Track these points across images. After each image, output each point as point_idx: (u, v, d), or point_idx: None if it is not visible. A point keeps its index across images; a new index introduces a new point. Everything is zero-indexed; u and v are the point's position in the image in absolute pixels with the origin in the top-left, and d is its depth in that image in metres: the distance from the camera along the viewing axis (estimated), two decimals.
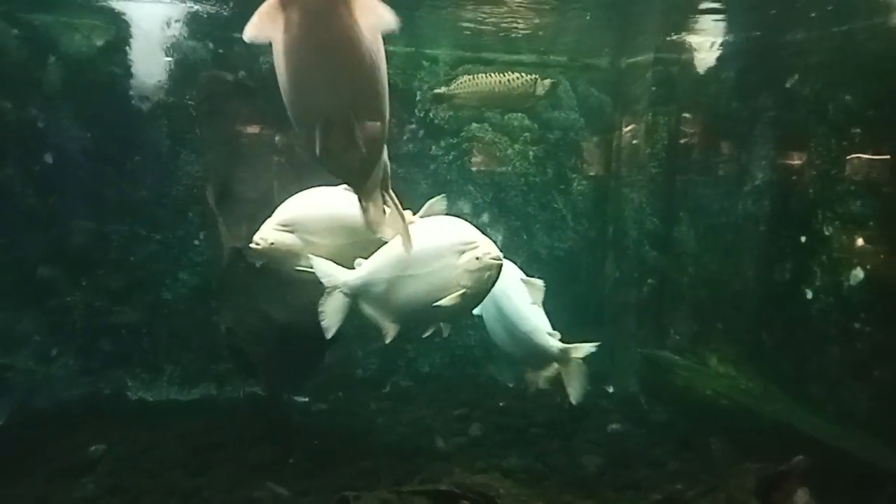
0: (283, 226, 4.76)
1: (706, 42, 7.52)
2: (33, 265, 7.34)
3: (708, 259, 7.54)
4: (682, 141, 8.06)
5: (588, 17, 7.21)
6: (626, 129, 8.61)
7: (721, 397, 6.64)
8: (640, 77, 8.32)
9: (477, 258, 4.35)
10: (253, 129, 7.24)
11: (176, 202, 7.66)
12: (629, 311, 8.34)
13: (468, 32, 7.80)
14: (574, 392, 5.36)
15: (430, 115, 8.39)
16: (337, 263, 4.71)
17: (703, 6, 6.45)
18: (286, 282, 5.13)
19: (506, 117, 8.53)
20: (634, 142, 8.45)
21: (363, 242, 4.67)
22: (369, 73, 2.95)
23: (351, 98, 2.99)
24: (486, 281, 4.38)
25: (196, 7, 6.97)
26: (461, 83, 7.13)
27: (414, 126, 8.36)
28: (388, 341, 4.78)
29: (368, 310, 4.76)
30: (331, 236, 4.76)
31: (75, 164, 7.38)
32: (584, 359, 5.40)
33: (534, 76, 7.09)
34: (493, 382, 8.15)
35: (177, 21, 7.27)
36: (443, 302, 4.40)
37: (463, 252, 4.39)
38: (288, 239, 4.72)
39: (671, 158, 8.08)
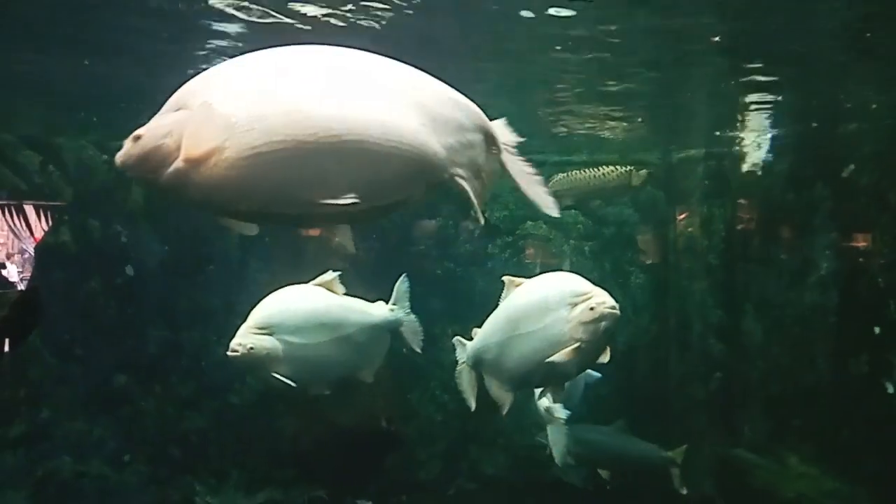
0: (261, 329, 4.43)
1: (754, 135, 7.62)
2: (109, 373, 7.67)
3: (777, 352, 7.32)
4: (739, 232, 8.01)
5: (640, 120, 7.44)
6: (680, 222, 8.63)
7: (805, 500, 6.28)
8: (691, 171, 8.41)
9: (591, 308, 4.00)
10: (316, 233, 7.59)
11: (246, 308, 7.95)
12: (697, 407, 8.08)
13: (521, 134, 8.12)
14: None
15: (486, 214, 8.58)
16: (318, 365, 4.48)
17: (751, 99, 6.58)
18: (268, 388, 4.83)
19: (561, 214, 8.67)
20: (690, 234, 8.44)
21: (345, 337, 4.52)
22: None
23: None
24: (602, 333, 4.01)
25: None
26: (558, 181, 7.40)
27: (470, 226, 8.58)
28: (504, 413, 4.42)
29: (486, 379, 4.48)
30: (310, 335, 4.49)
31: (153, 276, 7.82)
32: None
33: (628, 168, 7.31)
34: (560, 484, 7.89)
35: None
36: (555, 357, 4.04)
37: (575, 304, 4.05)
38: (267, 342, 4.40)
39: (729, 249, 8.01)
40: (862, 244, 6.26)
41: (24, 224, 7.59)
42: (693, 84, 6.33)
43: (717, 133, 7.91)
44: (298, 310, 4.49)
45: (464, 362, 4.59)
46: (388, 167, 2.35)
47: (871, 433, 6.04)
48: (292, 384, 4.34)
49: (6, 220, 7.59)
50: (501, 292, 4.96)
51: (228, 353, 4.34)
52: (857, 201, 6.31)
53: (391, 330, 4.75)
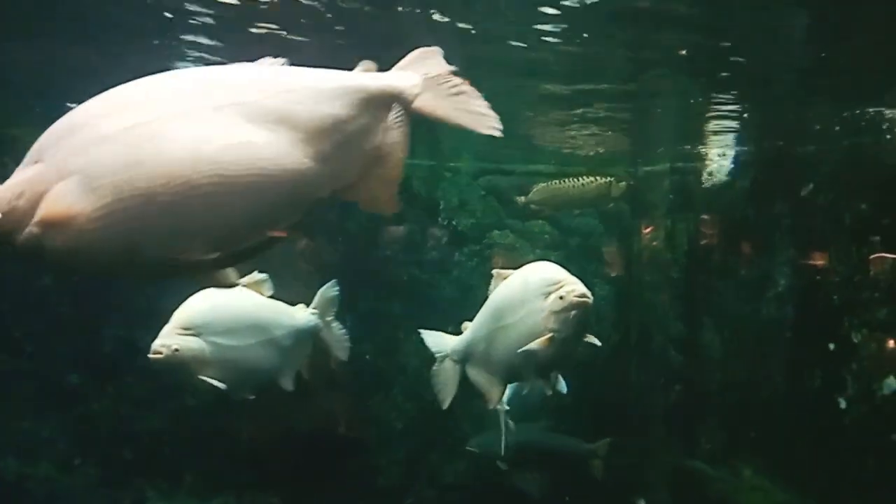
0: (186, 329, 4.13)
1: (718, 152, 7.77)
2: (62, 372, 7.46)
3: (735, 364, 7.44)
4: (701, 246, 8.15)
5: (608, 133, 7.53)
6: (645, 235, 8.75)
7: None
8: (657, 185, 8.54)
9: (560, 297, 3.90)
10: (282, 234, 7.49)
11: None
12: (656, 418, 8.17)
13: (488, 145, 8.15)
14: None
15: (453, 223, 8.61)
16: (245, 369, 4.27)
17: (715, 116, 6.72)
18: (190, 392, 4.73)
19: (526, 223, 8.73)
20: (654, 247, 8.56)
21: (272, 341, 4.37)
22: None
23: None
24: (573, 323, 3.88)
25: None
26: (538, 190, 7.42)
27: (438, 234, 8.57)
28: (491, 407, 4.41)
29: (474, 373, 4.40)
30: (238, 337, 4.27)
31: None
32: None
33: (608, 179, 7.36)
34: (519, 494, 7.91)
35: None
36: (529, 348, 3.93)
37: (549, 294, 3.95)
38: (193, 343, 4.11)
39: (691, 263, 8.14)
40: (819, 262, 6.41)
41: None
42: (660, 100, 6.44)
43: (683, 148, 8.05)
44: (226, 310, 4.25)
45: (446, 356, 4.51)
46: (253, 202, 2.09)
47: (823, 447, 6.17)
48: (222, 386, 4.10)
49: None
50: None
51: (150, 355, 4.01)
52: (814, 220, 6.46)
53: (314, 335, 4.58)
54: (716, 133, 7.35)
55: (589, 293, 3.94)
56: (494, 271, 4.43)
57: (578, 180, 7.40)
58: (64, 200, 2.01)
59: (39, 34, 5.07)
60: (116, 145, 2.04)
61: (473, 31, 4.57)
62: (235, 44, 4.85)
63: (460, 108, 2.32)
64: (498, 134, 2.25)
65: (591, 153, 8.58)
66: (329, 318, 4.63)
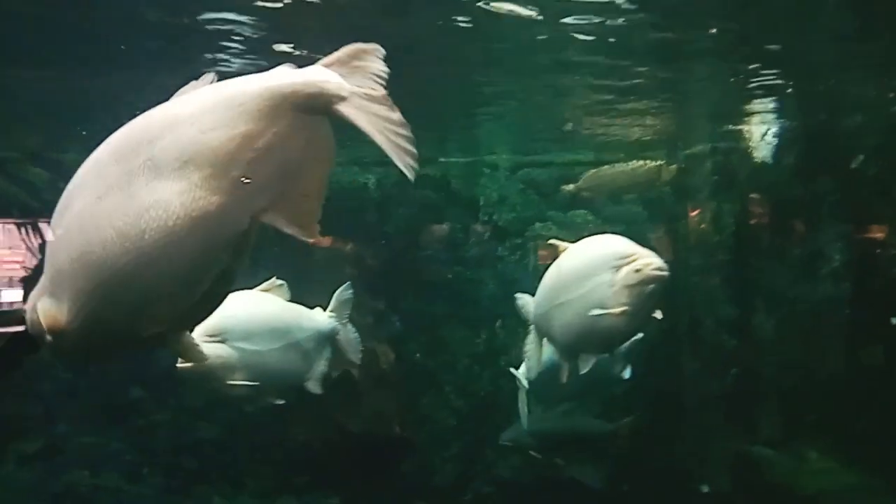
0: (212, 336, 4.10)
1: (761, 129, 7.56)
2: (124, 386, 7.72)
3: (791, 345, 7.24)
4: (748, 226, 7.95)
5: (648, 117, 7.40)
6: (691, 218, 8.58)
7: (825, 495, 6.20)
8: (699, 167, 8.36)
9: (636, 271, 3.72)
10: (328, 244, 7.60)
11: None
12: (712, 404, 8.00)
13: (525, 138, 8.12)
14: None
15: (494, 218, 8.60)
16: (271, 373, 4.22)
17: (756, 94, 6.53)
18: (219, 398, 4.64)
19: (568, 214, 8.65)
20: (699, 230, 8.38)
21: (296, 344, 4.34)
22: None
23: None
24: (647, 297, 3.70)
25: None
26: (588, 178, 7.38)
27: (479, 230, 8.58)
28: (564, 380, 4.19)
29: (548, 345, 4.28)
30: (263, 342, 4.27)
31: None
32: None
33: (658, 163, 7.27)
34: (577, 484, 7.84)
35: None
36: (595, 313, 3.75)
37: (620, 267, 3.78)
38: (220, 350, 4.10)
39: (740, 244, 7.95)
40: (873, 235, 6.20)
41: (39, 241, 7.64)
42: (699, 81, 6.30)
43: (724, 128, 7.86)
44: (250, 316, 4.26)
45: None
46: (178, 261, 1.97)
47: (889, 424, 5.97)
48: (252, 384, 4.12)
49: (23, 238, 7.63)
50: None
51: (178, 364, 3.93)
52: (864, 192, 6.24)
53: (332, 338, 4.57)
54: (757, 112, 7.15)
55: (665, 266, 3.76)
56: (551, 241, 4.34)
57: (627, 165, 7.30)
58: (47, 315, 2.11)
59: (79, 62, 5.25)
60: (61, 246, 2.10)
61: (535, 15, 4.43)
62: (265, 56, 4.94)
63: (384, 132, 2.02)
64: (410, 175, 1.99)
65: (631, 139, 8.44)
66: (344, 321, 4.62)
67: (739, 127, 7.71)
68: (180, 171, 1.95)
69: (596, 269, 3.89)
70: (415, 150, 2.01)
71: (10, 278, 7.63)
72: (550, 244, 4.33)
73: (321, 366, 4.54)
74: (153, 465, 7.69)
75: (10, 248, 7.72)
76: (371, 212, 8.34)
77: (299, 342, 4.40)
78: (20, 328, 2.33)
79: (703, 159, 8.35)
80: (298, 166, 2.01)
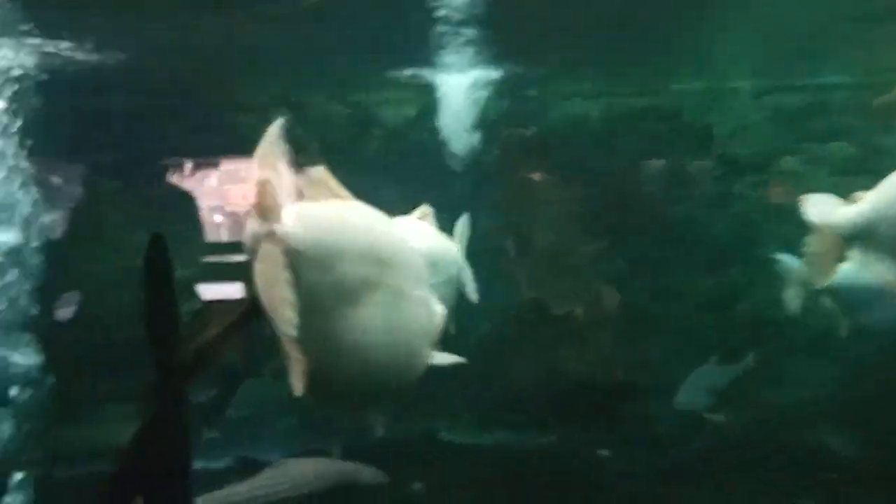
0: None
1: None
2: None
3: None
4: None
5: None
6: None
7: None
8: None
9: None
10: (549, 181, 7.41)
11: (473, 253, 8.09)
12: None
13: (773, 58, 7.13)
14: None
15: (732, 151, 7.80)
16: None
17: None
18: None
19: (827, 146, 7.56)
20: None
21: (450, 280, 4.08)
22: None
23: None
24: None
25: (492, 72, 7.42)
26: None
27: (711, 165, 7.85)
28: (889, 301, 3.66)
29: (865, 257, 3.68)
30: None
31: None
32: None
33: None
34: (825, 450, 7.03)
35: (475, 86, 7.79)
36: None
37: None
38: None
39: None
40: None
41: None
42: None
43: None
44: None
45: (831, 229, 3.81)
46: None
47: None
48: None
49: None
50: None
51: None
52: None
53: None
54: None
55: None
56: None
57: None
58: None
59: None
60: None
61: None
62: None
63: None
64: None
65: None
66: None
67: None
68: None
69: None
70: None
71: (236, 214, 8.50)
72: None
73: (450, 300, 4.19)
74: None
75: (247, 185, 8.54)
76: (593, 145, 7.97)
77: (452, 278, 4.19)
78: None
79: None
80: None
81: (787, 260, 4.81)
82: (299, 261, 2.56)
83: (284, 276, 2.49)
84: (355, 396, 2.92)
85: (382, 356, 2.84)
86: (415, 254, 3.12)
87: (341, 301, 2.67)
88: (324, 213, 2.85)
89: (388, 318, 2.81)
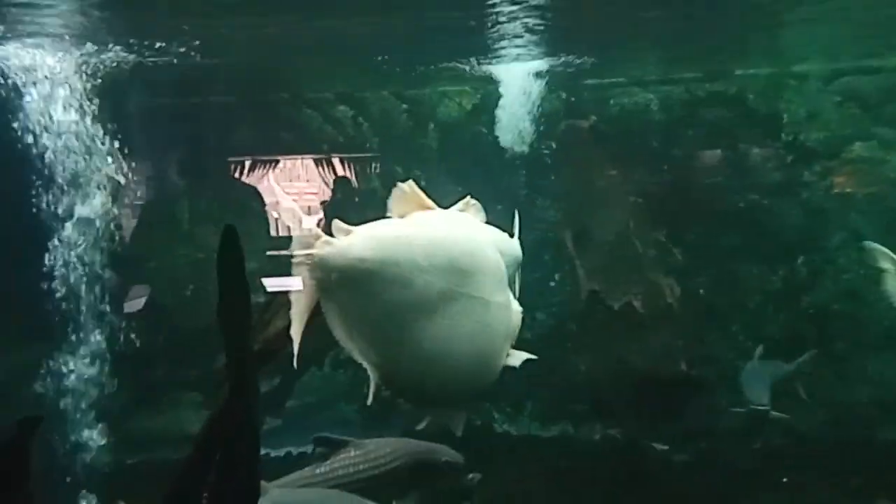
0: None
1: None
2: None
3: None
4: None
5: None
6: None
7: None
8: None
9: None
10: (608, 172, 7.30)
11: (532, 246, 8.03)
12: None
13: (845, 40, 6.82)
14: None
15: (800, 137, 7.51)
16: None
17: None
18: None
19: None
20: None
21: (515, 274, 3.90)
22: None
23: None
24: None
25: (549, 62, 7.33)
26: None
27: (780, 153, 7.58)
28: None
29: None
30: None
31: None
32: None
33: None
34: (887, 445, 6.77)
35: (533, 76, 7.72)
36: None
37: None
38: None
39: None
40: None
41: (336, 174, 8.48)
42: None
43: None
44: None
45: None
46: None
47: None
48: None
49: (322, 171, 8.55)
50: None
51: None
52: None
53: None
54: None
55: None
56: None
57: None
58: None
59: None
60: None
61: None
62: None
63: None
64: None
65: None
66: None
67: None
68: None
69: None
70: None
71: (309, 207, 8.66)
72: None
73: None
74: None
75: (308, 180, 8.73)
76: (654, 134, 7.80)
77: (514, 274, 4.02)
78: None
79: None
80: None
81: (877, 248, 4.52)
82: (375, 280, 2.76)
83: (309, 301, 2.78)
84: (441, 400, 3.06)
85: (466, 362, 2.95)
86: (495, 259, 3.19)
87: (425, 313, 2.81)
88: (397, 231, 3.00)
89: (471, 325, 2.93)
